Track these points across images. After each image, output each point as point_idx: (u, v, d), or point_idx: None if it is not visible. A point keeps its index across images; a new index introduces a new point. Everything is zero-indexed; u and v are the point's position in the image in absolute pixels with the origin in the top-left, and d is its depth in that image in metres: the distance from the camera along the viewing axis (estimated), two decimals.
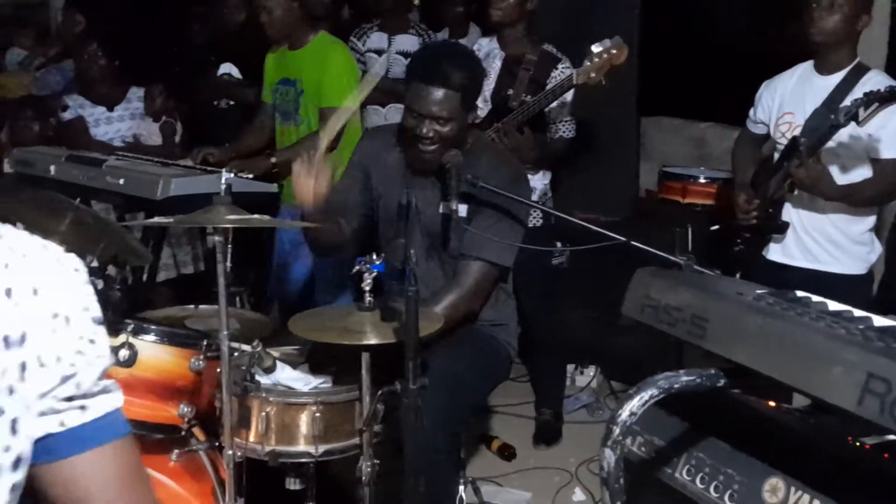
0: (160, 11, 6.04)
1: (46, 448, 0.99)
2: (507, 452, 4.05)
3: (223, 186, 2.53)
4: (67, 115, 4.69)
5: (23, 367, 0.96)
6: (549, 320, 4.15)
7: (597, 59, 3.57)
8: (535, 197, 3.97)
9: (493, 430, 4.24)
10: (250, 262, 4.57)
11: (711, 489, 1.66)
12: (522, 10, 3.90)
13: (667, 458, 1.78)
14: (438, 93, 2.82)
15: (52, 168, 3.89)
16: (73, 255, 1.03)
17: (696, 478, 1.70)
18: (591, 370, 4.70)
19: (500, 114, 3.88)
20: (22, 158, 4.08)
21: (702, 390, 1.55)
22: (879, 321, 1.63)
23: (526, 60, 3.90)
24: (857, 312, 1.66)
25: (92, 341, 1.02)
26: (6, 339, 0.94)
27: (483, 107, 3.97)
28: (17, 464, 0.96)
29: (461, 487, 3.25)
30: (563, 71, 3.86)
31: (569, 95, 3.82)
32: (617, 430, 1.48)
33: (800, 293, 1.76)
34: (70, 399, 1.00)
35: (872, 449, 1.75)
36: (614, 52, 3.57)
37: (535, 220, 3.78)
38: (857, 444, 1.75)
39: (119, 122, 4.82)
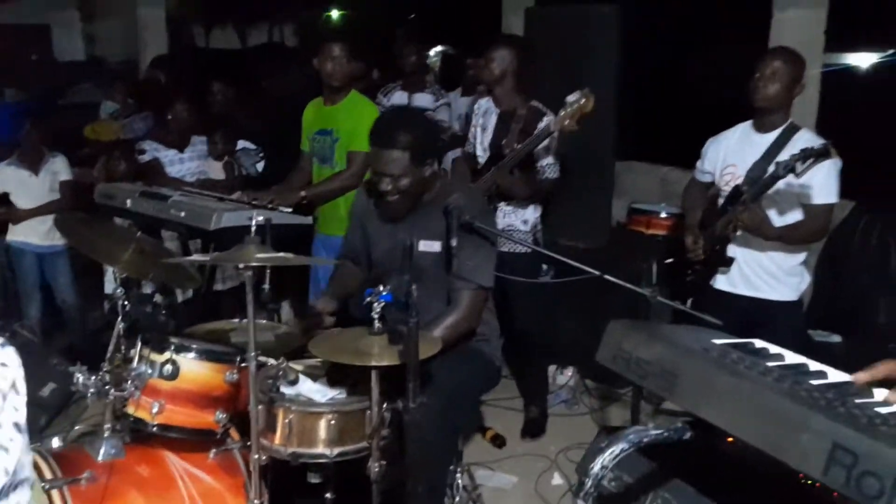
0: (225, 73, 5.79)
1: None
2: (498, 441, 3.78)
3: (253, 228, 2.27)
4: (146, 157, 4.48)
5: None
6: (536, 332, 3.88)
7: (569, 108, 3.35)
8: (527, 227, 3.75)
9: (487, 421, 3.96)
10: (293, 277, 4.33)
11: None
12: (504, 73, 3.67)
13: (636, 495, 1.50)
14: (389, 154, 2.62)
15: (129, 201, 3.65)
16: None
17: None
18: (569, 371, 4.41)
19: (496, 159, 3.66)
20: (105, 192, 3.84)
21: (670, 443, 1.27)
22: (834, 375, 1.35)
23: (517, 115, 3.67)
24: (814, 366, 1.38)
25: None
26: None
27: (483, 154, 3.75)
28: None
29: (458, 474, 3.01)
30: (547, 123, 3.61)
31: (553, 143, 3.56)
32: (589, 483, 1.21)
33: (759, 343, 1.48)
34: None
35: (822, 488, 1.46)
36: (583, 101, 3.34)
37: (524, 248, 3.53)
38: (808, 482, 1.46)
39: (189, 162, 4.62)
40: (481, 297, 2.78)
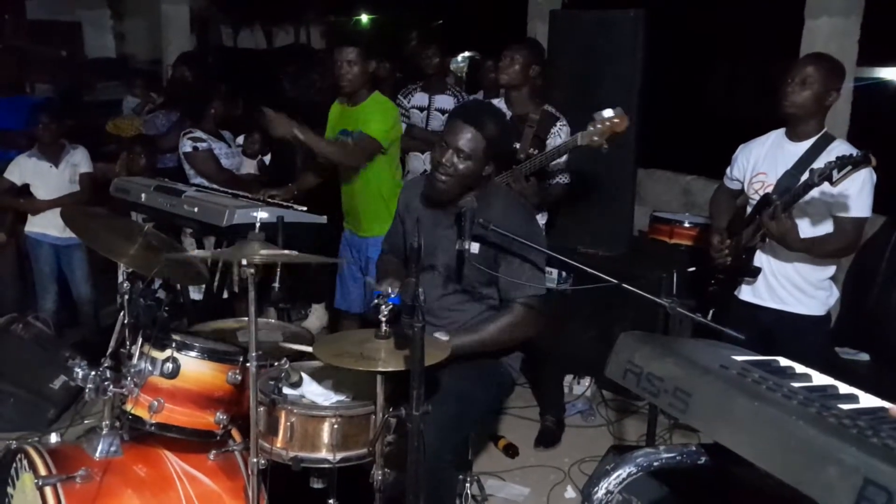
0: (255, 69, 5.76)
1: None
2: (510, 451, 3.66)
3: (258, 224, 2.19)
4: (203, 146, 4.37)
5: None
6: (553, 341, 3.77)
7: (600, 125, 3.20)
8: None
9: (501, 429, 3.84)
10: (320, 277, 4.29)
11: None
12: (526, 76, 3.58)
13: None
14: (469, 131, 2.59)
15: (143, 196, 3.60)
16: None
17: None
18: (586, 381, 4.29)
19: (506, 164, 3.50)
20: (120, 186, 3.80)
21: (683, 468, 1.15)
22: (866, 400, 1.23)
23: (530, 119, 3.57)
24: (843, 388, 1.26)
25: None
26: None
27: None
28: None
29: (467, 484, 2.90)
30: (560, 128, 3.54)
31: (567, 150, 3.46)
32: None
33: (783, 362, 1.36)
34: None
35: None
36: (616, 120, 3.20)
37: None
38: None
39: (238, 157, 4.73)
40: (536, 307, 2.68)
